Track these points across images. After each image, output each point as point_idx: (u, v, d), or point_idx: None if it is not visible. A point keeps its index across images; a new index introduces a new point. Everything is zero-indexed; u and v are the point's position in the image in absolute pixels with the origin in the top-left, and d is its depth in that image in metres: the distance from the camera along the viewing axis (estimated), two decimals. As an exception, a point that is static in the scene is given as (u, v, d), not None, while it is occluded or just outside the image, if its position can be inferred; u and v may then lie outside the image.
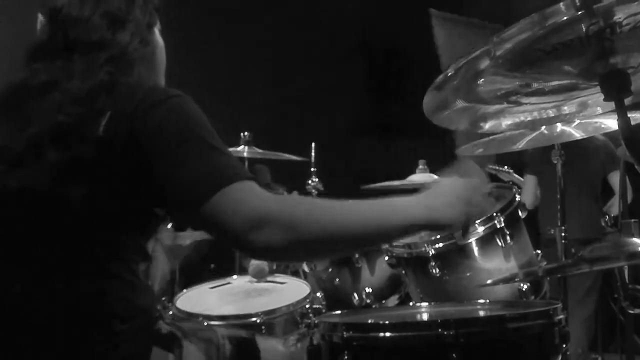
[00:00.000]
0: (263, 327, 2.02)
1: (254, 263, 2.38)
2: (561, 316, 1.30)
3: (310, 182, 3.03)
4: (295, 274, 2.59)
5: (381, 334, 1.26)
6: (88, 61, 1.23)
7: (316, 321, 1.38)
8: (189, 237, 3.69)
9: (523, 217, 2.03)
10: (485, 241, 1.94)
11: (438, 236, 1.97)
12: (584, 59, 1.21)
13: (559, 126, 2.11)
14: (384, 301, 2.34)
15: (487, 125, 1.53)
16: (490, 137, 2.28)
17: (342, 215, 1.16)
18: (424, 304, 1.78)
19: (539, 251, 2.10)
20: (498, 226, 1.93)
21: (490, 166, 4.12)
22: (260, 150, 3.46)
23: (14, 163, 1.18)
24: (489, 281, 1.81)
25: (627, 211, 3.04)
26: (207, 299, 2.26)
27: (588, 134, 2.04)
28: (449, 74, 1.25)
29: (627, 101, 1.24)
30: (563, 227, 2.27)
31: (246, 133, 3.42)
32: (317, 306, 2.14)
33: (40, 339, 1.15)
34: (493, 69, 1.23)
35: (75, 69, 1.22)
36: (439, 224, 1.24)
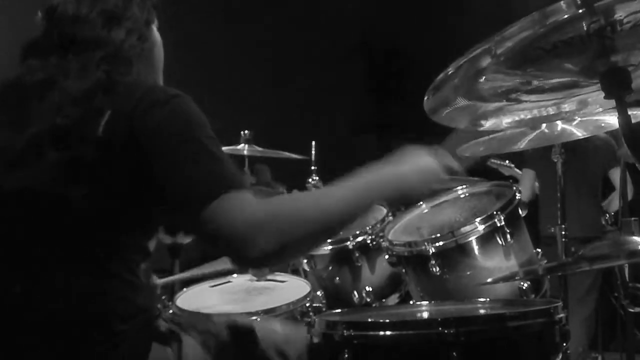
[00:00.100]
0: (263, 326, 2.01)
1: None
2: (561, 315, 1.29)
3: (310, 180, 3.03)
4: (296, 272, 2.58)
5: (381, 333, 1.26)
6: (83, 60, 1.22)
7: (316, 320, 1.38)
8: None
9: (523, 215, 2.03)
10: (486, 240, 1.94)
11: (439, 235, 1.97)
12: (584, 57, 1.21)
13: (560, 125, 2.10)
14: (384, 300, 2.34)
15: (488, 123, 1.53)
16: (490, 137, 2.27)
17: (327, 205, 1.21)
18: (424, 302, 1.78)
19: (539, 250, 2.10)
20: (498, 225, 1.93)
21: (492, 160, 4.11)
22: (260, 149, 3.46)
23: (14, 163, 1.18)
24: (489, 280, 1.80)
25: (627, 209, 3.04)
26: (207, 298, 2.25)
27: (589, 132, 2.03)
28: (450, 72, 1.25)
29: (628, 99, 1.24)
30: (563, 226, 2.27)
31: (246, 131, 3.42)
32: (318, 305, 2.14)
33: (40, 339, 1.15)
34: (494, 66, 1.23)
35: (71, 67, 1.22)
36: (407, 196, 1.35)
